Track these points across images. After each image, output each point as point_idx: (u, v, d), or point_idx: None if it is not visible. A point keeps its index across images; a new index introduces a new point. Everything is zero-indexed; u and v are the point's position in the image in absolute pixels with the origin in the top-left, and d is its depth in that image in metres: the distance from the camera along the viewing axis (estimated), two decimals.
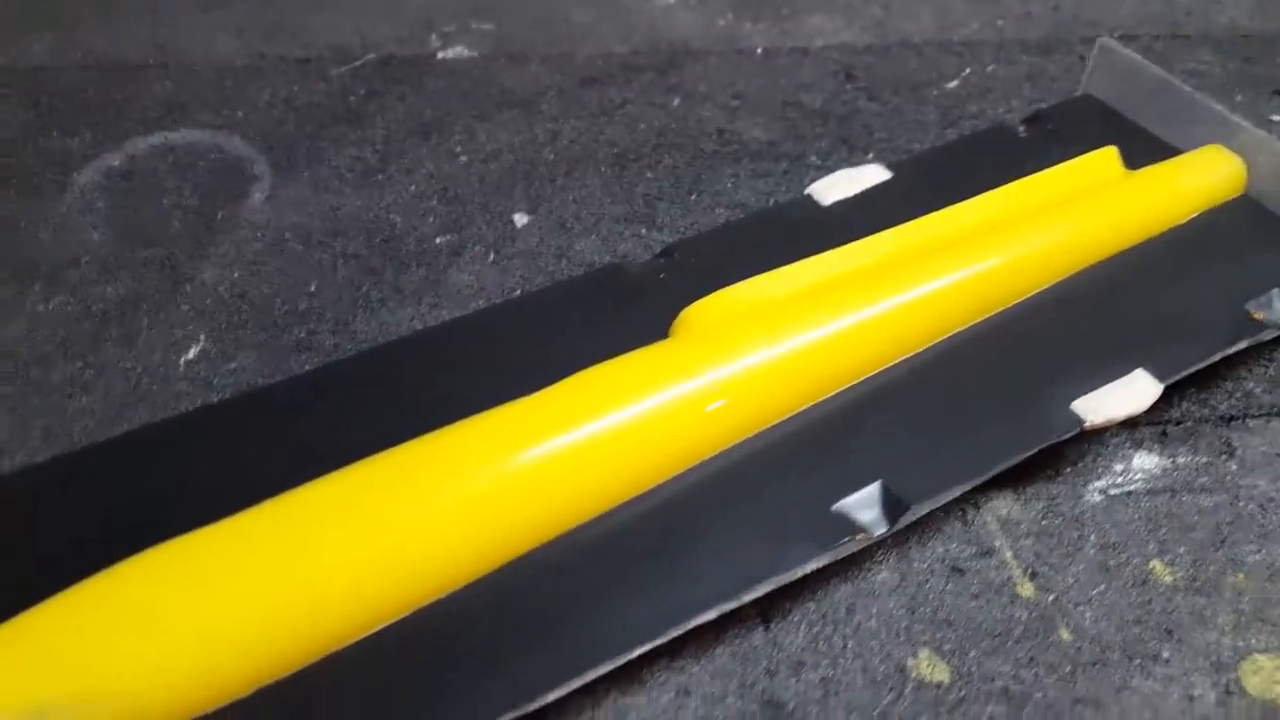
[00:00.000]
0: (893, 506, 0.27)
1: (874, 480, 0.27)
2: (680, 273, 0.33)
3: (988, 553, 0.29)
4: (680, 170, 0.40)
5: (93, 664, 0.22)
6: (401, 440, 0.27)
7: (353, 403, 0.29)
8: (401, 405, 0.29)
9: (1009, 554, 0.29)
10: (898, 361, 0.30)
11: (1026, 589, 0.28)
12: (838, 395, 0.29)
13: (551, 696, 0.24)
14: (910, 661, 0.27)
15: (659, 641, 0.25)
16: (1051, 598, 0.28)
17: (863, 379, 0.29)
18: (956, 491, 0.28)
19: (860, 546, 0.27)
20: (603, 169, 0.40)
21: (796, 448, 0.28)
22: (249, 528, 0.24)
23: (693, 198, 0.39)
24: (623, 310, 0.32)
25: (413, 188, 0.39)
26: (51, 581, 0.23)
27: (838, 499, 0.27)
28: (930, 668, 0.27)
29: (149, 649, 0.22)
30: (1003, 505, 0.30)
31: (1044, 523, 0.30)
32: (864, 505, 0.27)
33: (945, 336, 0.31)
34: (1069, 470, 0.31)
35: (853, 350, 0.29)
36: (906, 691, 0.26)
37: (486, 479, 0.25)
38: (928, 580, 0.28)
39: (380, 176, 0.39)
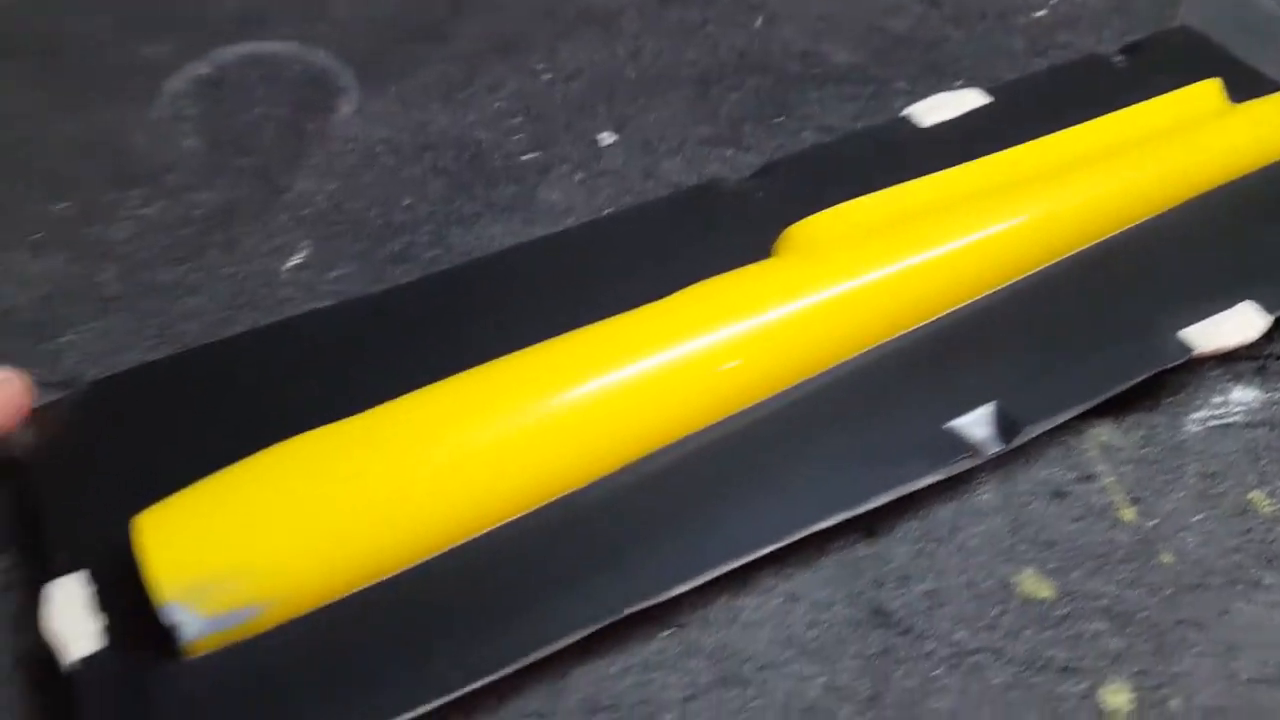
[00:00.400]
0: (1006, 427, 0.27)
1: (985, 401, 0.27)
2: (778, 192, 0.33)
3: (1089, 478, 0.29)
4: (764, 92, 0.40)
5: (241, 542, 0.22)
6: (505, 351, 0.27)
7: (454, 313, 0.29)
8: (506, 317, 0.29)
9: (1110, 480, 0.29)
10: (1006, 285, 0.30)
11: (1128, 514, 0.29)
12: (947, 316, 0.29)
13: (665, 596, 0.25)
14: (1014, 579, 0.27)
15: (770, 548, 0.25)
16: (1152, 523, 0.28)
17: (972, 301, 0.29)
18: (1069, 414, 0.28)
19: (972, 464, 0.27)
20: (685, 89, 0.40)
21: (908, 366, 0.28)
22: (381, 423, 0.24)
23: (778, 120, 0.38)
24: (722, 228, 0.32)
25: (496, 105, 0.39)
26: (174, 472, 0.24)
27: (950, 418, 0.27)
28: (1034, 585, 0.27)
29: (290, 530, 0.23)
30: (1103, 432, 0.30)
31: (1144, 451, 0.30)
32: (977, 424, 0.27)
33: (1052, 263, 0.30)
34: (1168, 401, 0.31)
35: (963, 273, 0.29)
36: (1011, 606, 0.27)
37: (609, 385, 0.25)
38: (1030, 503, 0.29)
39: (464, 94, 0.39)
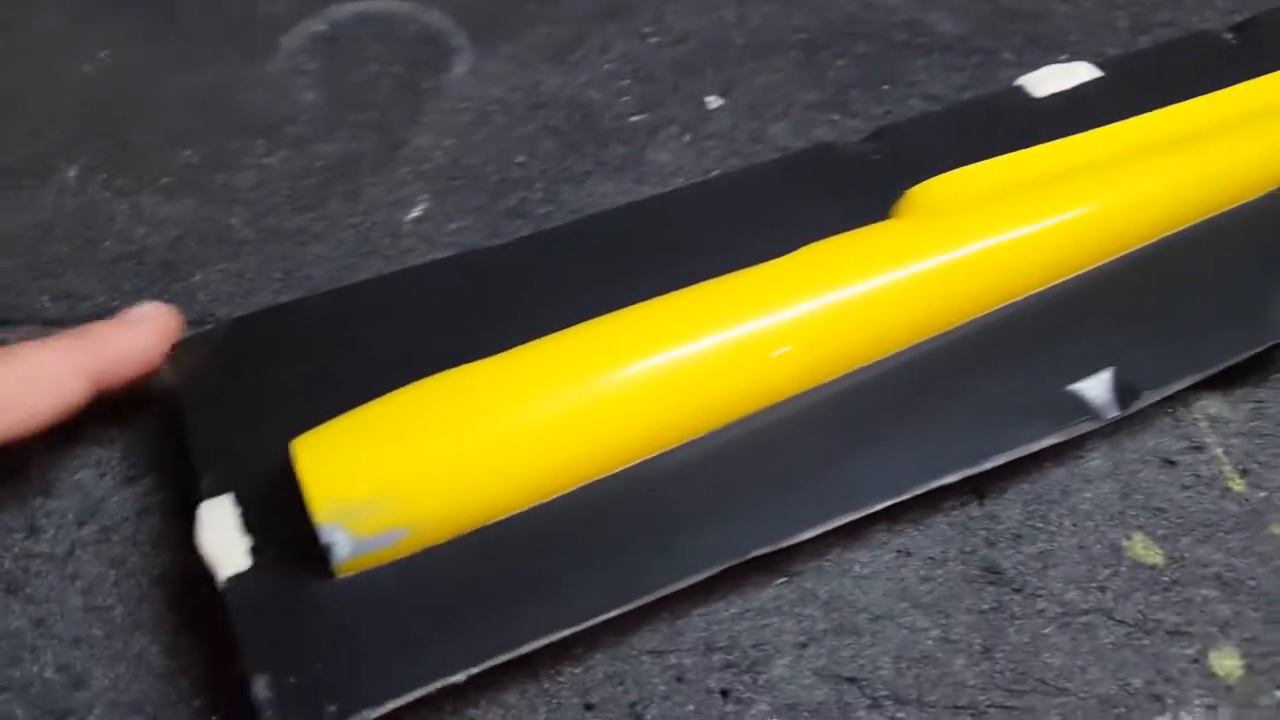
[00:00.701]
0: (1124, 392, 0.27)
1: (1104, 367, 0.27)
2: (892, 156, 0.33)
3: (1198, 448, 0.29)
4: (871, 59, 0.40)
5: (392, 467, 0.23)
6: (627, 302, 0.27)
7: (572, 265, 0.30)
8: (624, 271, 0.29)
9: (1219, 450, 0.29)
10: (1124, 254, 0.30)
11: (1237, 484, 0.29)
12: (1066, 282, 0.29)
13: (788, 541, 0.25)
14: (1124, 543, 0.27)
15: (890, 501, 0.26)
16: (1262, 494, 0.28)
17: (1091, 268, 0.29)
18: (1186, 382, 0.28)
19: (1091, 428, 0.27)
20: (792, 54, 0.40)
21: (1028, 329, 0.28)
22: (525, 363, 0.25)
23: (885, 87, 0.38)
24: (836, 190, 0.32)
25: (606, 67, 0.39)
26: (312, 404, 0.25)
27: (1069, 382, 0.27)
28: (1145, 550, 0.27)
29: (437, 459, 0.24)
30: (1211, 405, 0.30)
31: (1253, 424, 0.30)
32: (1096, 389, 0.27)
33: (1169, 234, 0.30)
34: (1275, 376, 0.31)
35: (1083, 239, 0.29)
36: (1122, 569, 0.27)
37: (742, 335, 0.26)
38: (1140, 470, 0.29)
39: (574, 55, 0.39)
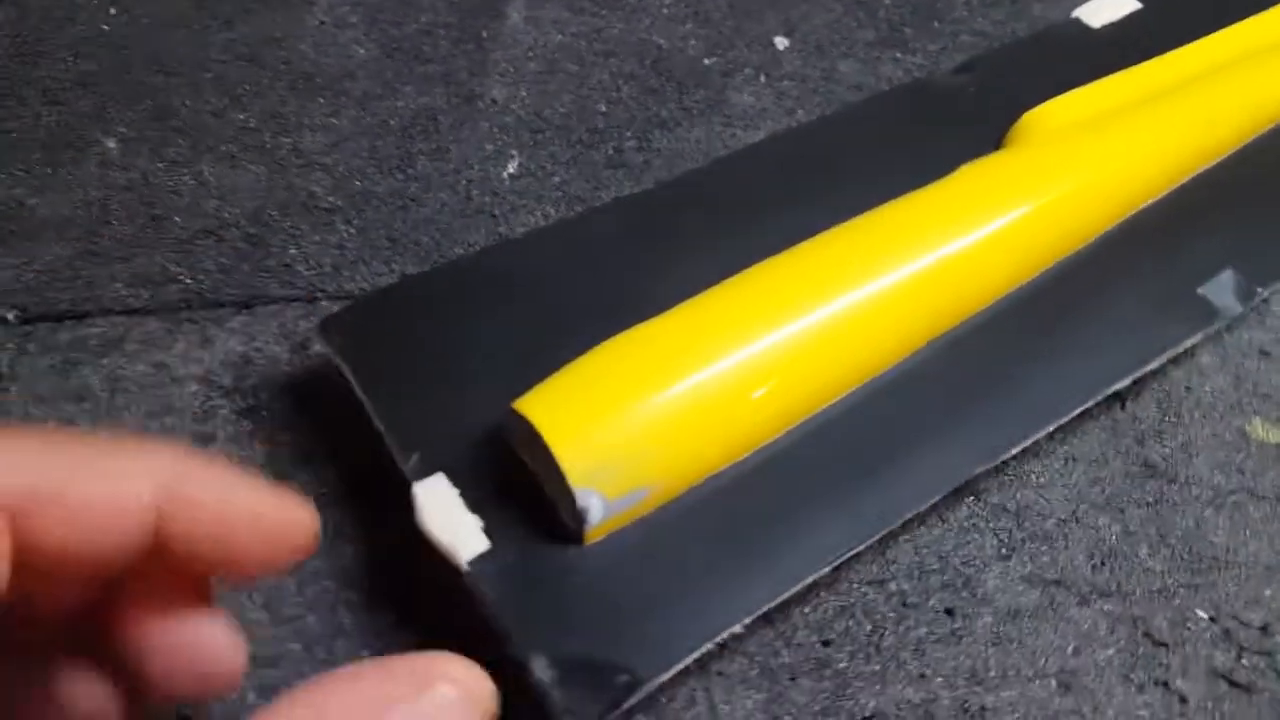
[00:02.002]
0: (1243, 290, 0.29)
1: (1223, 268, 0.29)
2: (984, 87, 0.33)
3: None
4: None
5: (630, 424, 0.22)
6: (788, 237, 0.27)
7: (716, 206, 0.29)
8: (768, 208, 0.29)
9: None
10: (1227, 156, 0.31)
11: None
12: (1177, 191, 0.30)
13: (998, 460, 0.26)
14: (1247, 427, 0.29)
15: (1075, 412, 0.26)
16: None
17: (1199, 173, 0.31)
18: None
19: (1220, 326, 0.29)
20: None
21: (1153, 240, 0.29)
22: (737, 302, 0.24)
23: (935, 24, 0.39)
24: (944, 121, 0.32)
25: (665, 10, 0.37)
26: (488, 369, 0.24)
27: (1195, 286, 0.29)
28: (1265, 431, 0.29)
29: (671, 411, 0.22)
30: None
31: None
32: (1219, 290, 0.29)
33: (1263, 133, 0.32)
34: None
35: (1192, 147, 0.30)
36: (1251, 451, 0.29)
37: (929, 263, 0.26)
38: (1243, 361, 0.31)
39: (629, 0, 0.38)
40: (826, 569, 0.23)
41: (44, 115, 0.31)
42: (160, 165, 0.30)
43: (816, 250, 0.26)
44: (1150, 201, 0.30)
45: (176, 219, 0.29)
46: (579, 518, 0.21)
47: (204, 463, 0.15)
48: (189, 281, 0.28)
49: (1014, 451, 0.25)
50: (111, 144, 0.30)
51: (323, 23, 0.35)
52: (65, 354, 0.26)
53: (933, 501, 0.25)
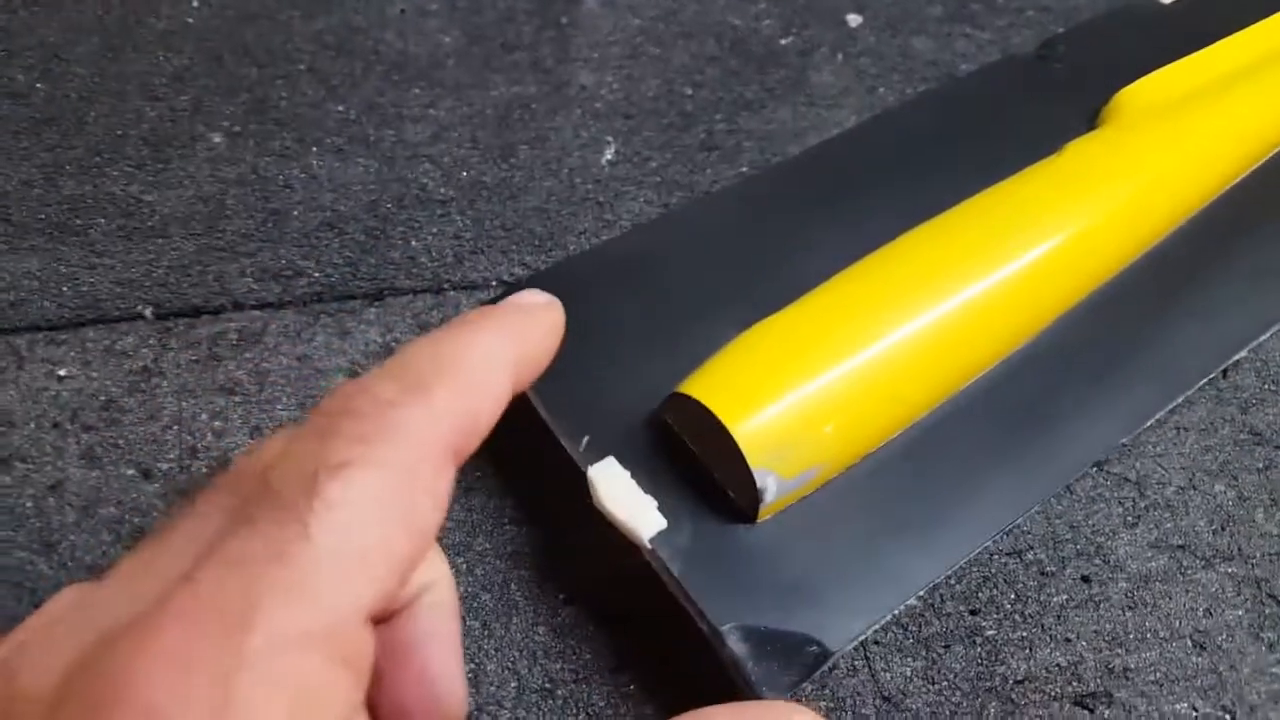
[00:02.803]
0: None
1: None
2: (1069, 65, 0.34)
3: None
4: None
5: (801, 404, 0.23)
6: (900, 215, 0.28)
7: (824, 187, 0.30)
8: (879, 186, 0.29)
9: None
10: None
11: None
12: (1266, 164, 0.31)
13: (1136, 432, 0.27)
14: None
15: (1190, 391, 0.28)
16: None
17: None
18: None
19: None
20: None
21: (1251, 215, 0.30)
22: (885, 283, 0.25)
23: (999, 1, 0.40)
24: (1035, 98, 0.33)
25: None
26: (641, 353, 0.25)
27: None
28: None
29: (837, 390, 0.23)
30: None
31: None
32: None
33: None
34: None
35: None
36: None
37: (1052, 243, 0.26)
38: None
39: None
40: (989, 540, 0.24)
41: (146, 110, 0.31)
42: (268, 159, 0.30)
43: (955, 228, 0.27)
44: (1244, 175, 0.31)
45: (294, 213, 0.29)
46: (756, 497, 0.22)
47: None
48: (317, 275, 0.28)
49: (1150, 422, 0.27)
50: (217, 138, 0.30)
51: (403, 11, 0.35)
52: (208, 348, 0.26)
53: (1077, 476, 0.26)
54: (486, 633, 0.23)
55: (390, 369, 0.15)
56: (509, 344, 0.17)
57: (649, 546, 0.22)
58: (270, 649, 0.12)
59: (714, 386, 0.23)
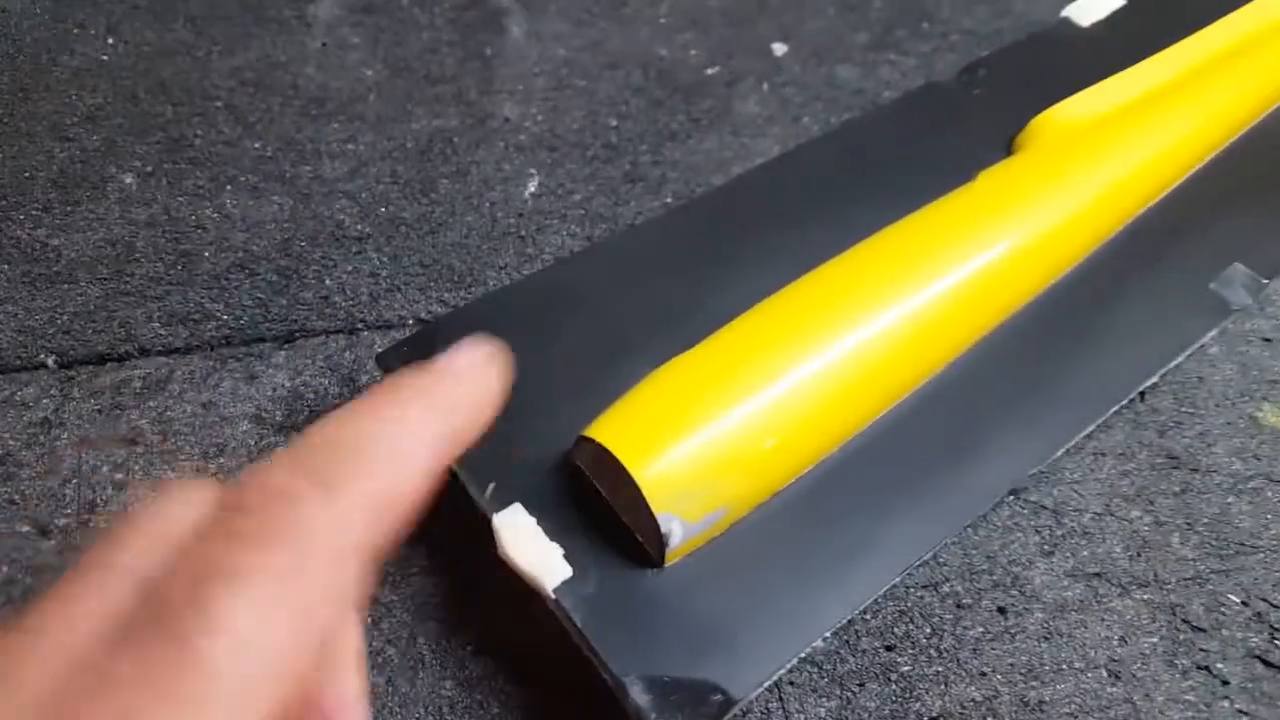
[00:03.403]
0: (1251, 282, 0.30)
1: (1232, 261, 0.30)
2: (989, 90, 0.34)
3: None
4: (901, 0, 0.41)
5: (704, 447, 0.22)
6: (807, 249, 0.27)
7: (737, 222, 0.29)
8: (793, 220, 0.29)
9: None
10: (1223, 151, 0.33)
11: None
12: (1179, 188, 0.31)
13: (1050, 459, 0.27)
14: (1258, 413, 0.31)
15: (1100, 419, 0.28)
16: None
17: (1198, 169, 0.32)
18: None
19: (1230, 320, 0.30)
20: None
21: (1163, 241, 0.30)
22: (779, 322, 0.25)
23: (924, 25, 0.40)
24: (954, 124, 0.33)
25: (662, 20, 0.38)
26: (549, 395, 0.25)
27: (1208, 281, 0.30)
28: (1275, 417, 0.31)
29: (742, 432, 0.23)
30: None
31: None
32: (1229, 284, 0.30)
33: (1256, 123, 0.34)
34: None
35: (1196, 141, 0.31)
36: (1264, 437, 0.30)
37: (963, 272, 0.26)
38: (1246, 349, 0.32)
39: (626, 9, 0.38)
40: (898, 577, 0.24)
41: (56, 151, 0.30)
42: (181, 199, 0.30)
43: (865, 261, 0.27)
44: (1158, 199, 0.31)
45: (206, 254, 0.29)
46: (661, 542, 0.22)
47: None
48: (226, 318, 0.28)
49: (1060, 452, 0.27)
50: (129, 179, 0.30)
51: (325, 44, 0.34)
52: (111, 397, 0.25)
53: (992, 505, 0.26)
54: (391, 689, 0.23)
55: (294, 456, 0.14)
56: (434, 419, 0.15)
57: (552, 596, 0.22)
58: None
59: (618, 430, 0.22)
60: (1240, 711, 0.25)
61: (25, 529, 0.23)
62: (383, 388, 0.15)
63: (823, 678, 0.24)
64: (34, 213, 0.29)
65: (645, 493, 0.21)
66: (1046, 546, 0.27)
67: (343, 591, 0.13)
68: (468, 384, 0.16)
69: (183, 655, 0.11)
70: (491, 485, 0.23)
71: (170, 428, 0.25)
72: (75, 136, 0.31)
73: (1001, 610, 0.26)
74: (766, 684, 0.21)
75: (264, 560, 0.12)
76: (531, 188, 0.32)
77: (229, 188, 0.30)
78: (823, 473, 0.24)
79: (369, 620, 0.23)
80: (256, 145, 0.31)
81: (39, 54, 0.32)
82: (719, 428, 0.22)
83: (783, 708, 0.24)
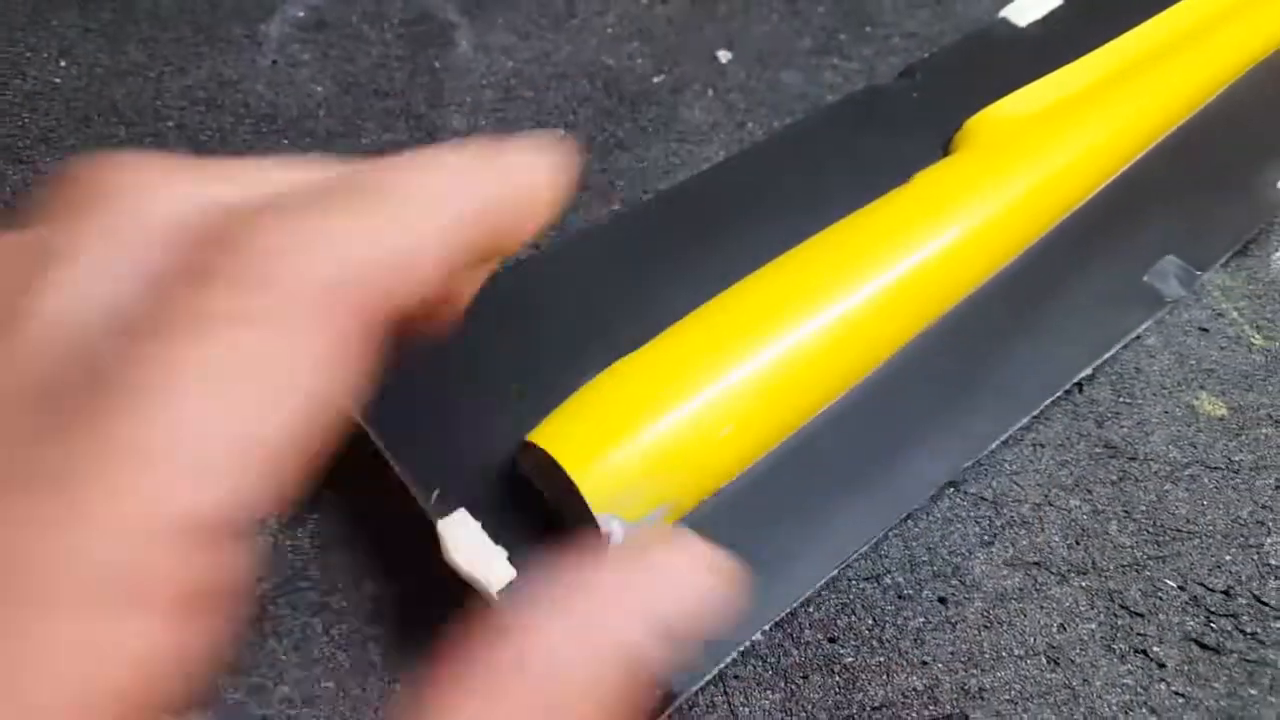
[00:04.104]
0: (1183, 274, 0.31)
1: (1164, 254, 0.31)
2: (927, 92, 0.34)
3: (1219, 314, 0.34)
4: (845, 4, 0.41)
5: (644, 448, 0.23)
6: (757, 255, 0.28)
7: (685, 228, 0.30)
8: (738, 226, 0.30)
9: (1235, 314, 0.34)
10: (1158, 141, 0.33)
11: (1258, 339, 0.33)
12: (1113, 184, 0.32)
13: (982, 454, 0.27)
14: (1195, 402, 0.31)
15: (1043, 404, 0.28)
16: (1278, 345, 0.33)
17: (1130, 165, 0.33)
18: (1225, 256, 0.32)
19: (1168, 310, 0.31)
20: (776, 3, 0.41)
21: (1097, 235, 0.31)
22: (722, 320, 0.25)
23: (867, 29, 0.40)
24: (892, 127, 0.33)
25: (609, 30, 0.38)
26: (493, 401, 0.25)
27: (1142, 274, 0.30)
28: (1211, 405, 0.31)
29: (682, 431, 0.23)
30: (1217, 277, 0.35)
31: (1249, 288, 0.35)
32: (1162, 276, 0.31)
33: (1186, 119, 0.34)
34: (1250, 245, 0.36)
35: (1130, 138, 0.32)
36: (1201, 425, 0.31)
37: (898, 270, 0.27)
38: (1184, 339, 0.33)
39: (574, 21, 0.38)
40: (835, 570, 0.24)
41: (9, 174, 0.30)
42: None
43: (803, 262, 0.27)
44: (1091, 195, 0.32)
45: None
46: (603, 542, 0.22)
47: None
48: None
49: (996, 444, 0.27)
50: None
51: (275, 62, 0.35)
52: None
53: (929, 497, 0.26)
54: (342, 693, 0.23)
55: (296, 197, 0.11)
56: (473, 181, 0.12)
57: (495, 599, 0.22)
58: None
59: (558, 432, 0.23)
60: (1176, 693, 0.25)
61: None
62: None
63: (767, 670, 0.25)
64: None
65: (584, 494, 0.22)
66: (986, 537, 0.28)
67: (326, 360, 0.11)
68: (522, 162, 0.13)
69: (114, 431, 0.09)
70: (436, 492, 0.23)
71: None
72: (28, 159, 0.31)
73: (942, 600, 0.26)
74: (709, 676, 0.22)
75: (240, 305, 0.10)
76: None
77: None
78: (764, 469, 0.25)
79: (320, 628, 0.24)
80: None
81: None
82: (657, 429, 0.23)
83: (728, 701, 0.24)
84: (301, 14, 0.36)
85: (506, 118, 0.35)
